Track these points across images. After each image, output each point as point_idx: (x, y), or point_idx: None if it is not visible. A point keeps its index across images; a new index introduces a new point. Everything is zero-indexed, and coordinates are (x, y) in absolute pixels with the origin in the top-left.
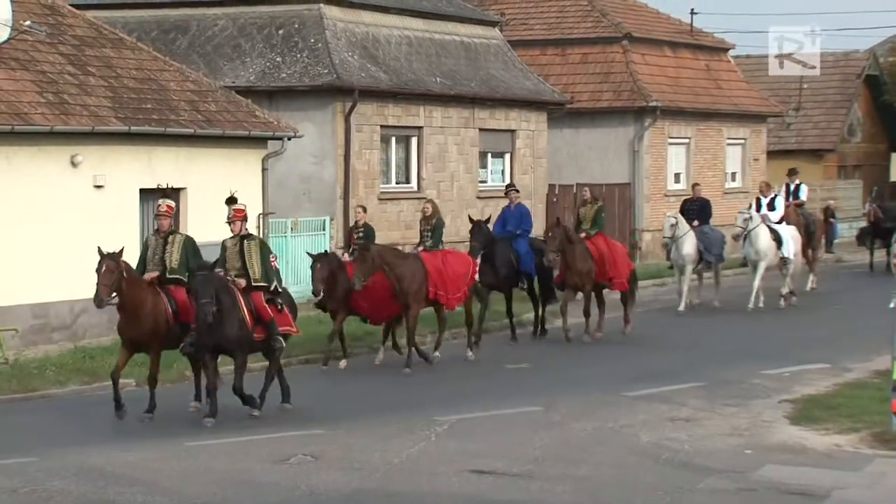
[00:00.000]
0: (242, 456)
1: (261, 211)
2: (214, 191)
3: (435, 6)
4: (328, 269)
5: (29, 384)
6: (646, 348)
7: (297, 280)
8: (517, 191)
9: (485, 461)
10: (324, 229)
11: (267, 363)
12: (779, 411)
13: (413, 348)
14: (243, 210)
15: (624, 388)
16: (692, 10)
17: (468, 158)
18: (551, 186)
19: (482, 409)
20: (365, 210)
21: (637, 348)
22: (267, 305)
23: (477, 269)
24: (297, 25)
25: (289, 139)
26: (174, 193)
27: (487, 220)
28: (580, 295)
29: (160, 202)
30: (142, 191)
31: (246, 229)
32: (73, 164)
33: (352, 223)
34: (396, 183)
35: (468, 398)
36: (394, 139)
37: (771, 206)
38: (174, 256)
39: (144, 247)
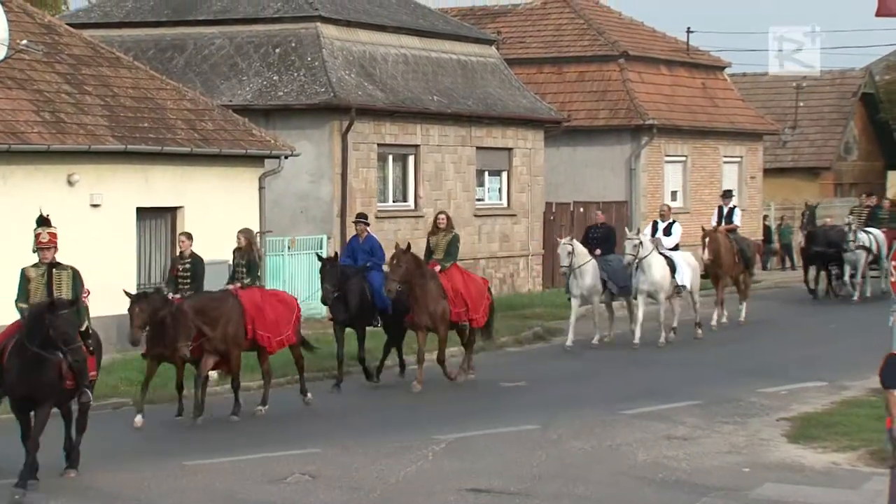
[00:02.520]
0: (240, 475)
1: (258, 230)
2: (211, 210)
3: (431, 24)
4: (152, 313)
5: None
6: (642, 366)
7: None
8: (366, 222)
9: (482, 480)
10: (321, 248)
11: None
12: (776, 429)
13: (236, 394)
14: (56, 234)
15: (621, 407)
16: (688, 28)
17: (465, 177)
18: (548, 205)
19: (479, 428)
20: (190, 238)
21: (634, 367)
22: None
23: (301, 312)
24: (293, 44)
25: (286, 158)
26: (171, 212)
27: (337, 256)
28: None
29: None
30: (139, 210)
31: (54, 258)
32: (70, 183)
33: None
34: (393, 201)
35: (465, 417)
36: (391, 157)
37: (667, 232)
38: None
39: None
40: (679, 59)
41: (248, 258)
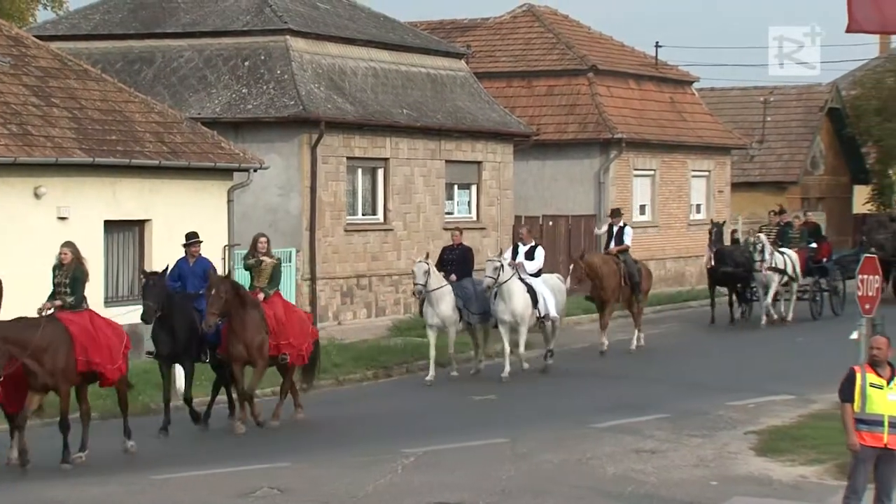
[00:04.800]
0: (208, 489)
1: (226, 243)
2: (179, 223)
3: (401, 38)
4: None
5: None
6: (612, 380)
7: None
8: (199, 241)
9: (451, 493)
10: (290, 261)
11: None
12: (744, 443)
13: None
14: None
15: (591, 420)
16: (657, 43)
17: (434, 190)
18: (517, 218)
19: (449, 441)
20: None
21: (603, 380)
22: None
23: (130, 343)
24: (263, 57)
25: (255, 171)
26: (138, 225)
27: (165, 272)
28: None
29: None
30: (106, 222)
31: None
32: (37, 196)
33: None
34: (363, 214)
35: (435, 430)
36: (360, 171)
37: (530, 256)
38: None
39: None
40: (647, 73)
41: (72, 275)
